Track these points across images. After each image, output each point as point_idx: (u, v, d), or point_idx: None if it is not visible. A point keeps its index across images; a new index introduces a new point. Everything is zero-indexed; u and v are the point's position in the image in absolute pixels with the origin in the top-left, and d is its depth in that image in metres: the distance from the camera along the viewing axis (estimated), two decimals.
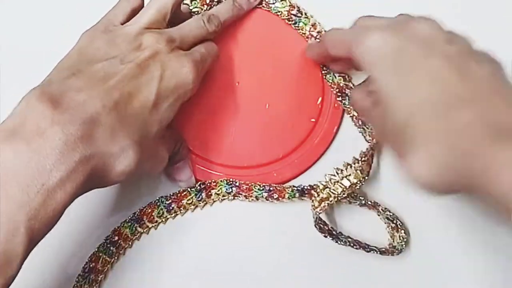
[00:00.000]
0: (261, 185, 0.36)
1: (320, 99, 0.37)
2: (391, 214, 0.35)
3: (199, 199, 0.35)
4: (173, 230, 0.35)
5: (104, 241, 0.34)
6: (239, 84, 0.37)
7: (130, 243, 0.34)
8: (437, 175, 0.24)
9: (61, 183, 0.24)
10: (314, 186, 0.36)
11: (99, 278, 0.33)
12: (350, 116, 0.37)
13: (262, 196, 0.35)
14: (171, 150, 0.33)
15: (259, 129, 0.37)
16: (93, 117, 0.26)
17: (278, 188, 0.36)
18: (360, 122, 0.37)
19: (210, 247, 0.35)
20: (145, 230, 0.35)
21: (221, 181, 0.36)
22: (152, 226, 0.35)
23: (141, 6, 0.33)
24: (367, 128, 0.37)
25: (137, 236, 0.35)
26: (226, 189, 0.36)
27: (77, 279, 0.33)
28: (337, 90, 0.37)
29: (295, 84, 0.37)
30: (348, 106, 0.37)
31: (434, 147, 0.24)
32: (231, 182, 0.36)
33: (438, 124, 0.25)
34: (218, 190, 0.36)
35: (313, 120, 0.37)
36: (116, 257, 0.34)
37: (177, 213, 0.35)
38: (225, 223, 0.36)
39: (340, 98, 0.37)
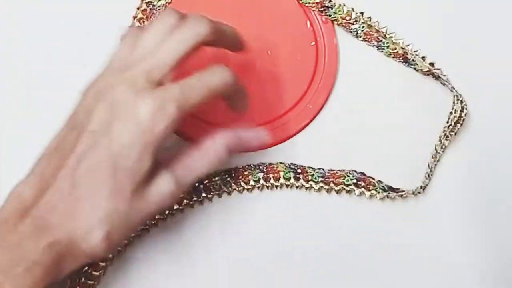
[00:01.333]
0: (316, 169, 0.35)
1: (308, 22, 0.38)
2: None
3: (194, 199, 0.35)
4: (174, 229, 0.34)
5: None
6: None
7: (130, 239, 0.34)
8: None
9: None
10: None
11: (97, 273, 0.32)
12: (336, 22, 0.38)
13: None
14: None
15: (269, 81, 0.37)
16: None
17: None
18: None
19: (211, 246, 0.34)
20: (145, 227, 0.34)
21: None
22: (153, 224, 0.35)
23: None
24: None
25: (137, 233, 0.34)
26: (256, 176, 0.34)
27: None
28: (317, 7, 0.38)
29: (281, 20, 0.38)
30: (334, 16, 0.38)
31: None
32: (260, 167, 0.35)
33: None
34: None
35: (313, 43, 0.38)
36: (115, 252, 0.33)
37: (172, 211, 0.35)
38: (225, 222, 0.35)
39: (323, 13, 0.38)
